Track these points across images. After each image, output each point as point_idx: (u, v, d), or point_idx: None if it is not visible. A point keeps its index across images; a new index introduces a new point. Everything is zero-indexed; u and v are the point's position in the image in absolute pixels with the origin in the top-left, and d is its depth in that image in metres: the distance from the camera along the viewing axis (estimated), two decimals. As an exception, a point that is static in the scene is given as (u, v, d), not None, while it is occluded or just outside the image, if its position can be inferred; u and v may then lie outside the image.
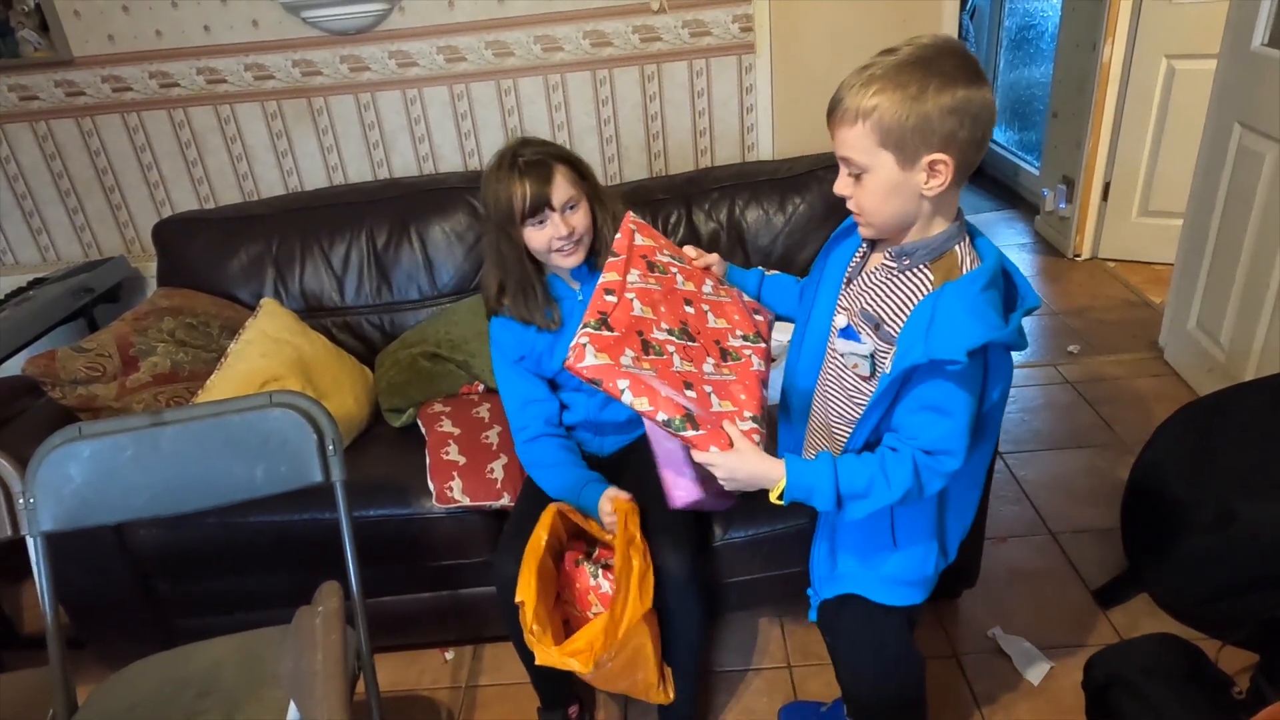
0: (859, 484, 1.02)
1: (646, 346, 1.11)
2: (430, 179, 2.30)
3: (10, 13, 2.42)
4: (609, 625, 1.26)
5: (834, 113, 0.99)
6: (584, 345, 1.06)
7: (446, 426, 1.81)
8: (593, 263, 1.51)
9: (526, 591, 1.31)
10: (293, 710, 0.96)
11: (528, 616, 1.29)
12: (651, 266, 1.23)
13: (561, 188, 1.41)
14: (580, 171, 1.47)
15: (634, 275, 1.19)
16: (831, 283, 1.18)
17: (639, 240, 1.26)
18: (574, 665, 1.25)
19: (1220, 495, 1.70)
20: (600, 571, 1.46)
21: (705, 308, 1.24)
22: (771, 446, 1.15)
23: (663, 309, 1.17)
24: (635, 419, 1.55)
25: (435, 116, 2.56)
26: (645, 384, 1.05)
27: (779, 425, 1.30)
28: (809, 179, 2.07)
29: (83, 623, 1.79)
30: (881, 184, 0.98)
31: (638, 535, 1.37)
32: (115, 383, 1.80)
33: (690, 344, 1.15)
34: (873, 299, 1.07)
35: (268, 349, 1.91)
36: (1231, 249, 2.33)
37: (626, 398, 1.04)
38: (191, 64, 2.49)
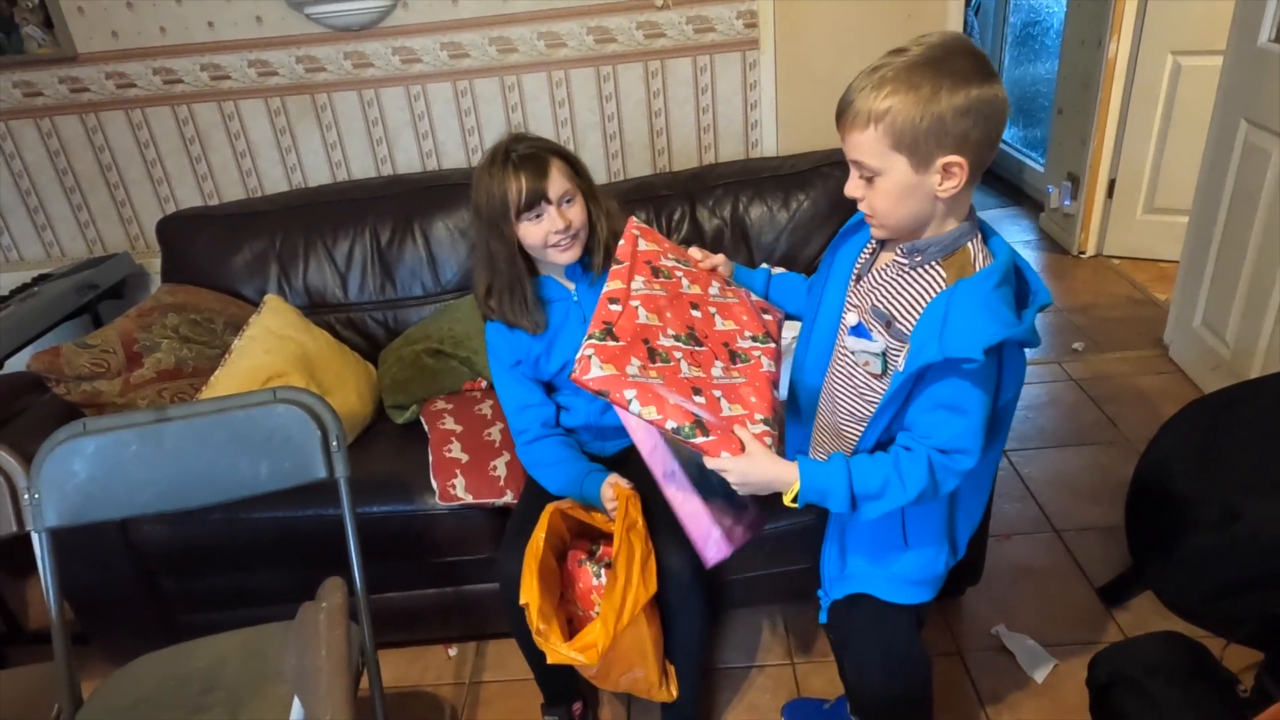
0: (874, 485, 1.02)
1: (653, 354, 1.09)
2: (434, 175, 2.30)
3: (15, 9, 2.42)
4: (610, 611, 1.26)
5: (844, 115, 0.97)
6: (589, 357, 1.05)
7: (449, 424, 1.81)
8: (586, 261, 1.50)
9: (530, 593, 1.31)
10: (296, 706, 0.96)
11: (533, 617, 1.29)
12: (656, 272, 1.21)
13: (557, 181, 1.41)
14: (574, 166, 1.46)
15: (638, 282, 1.18)
16: (840, 279, 1.17)
17: (643, 246, 1.25)
18: (582, 660, 1.25)
19: (1225, 493, 1.70)
20: (603, 571, 1.46)
21: (712, 310, 1.22)
22: (781, 446, 1.14)
23: (669, 314, 1.16)
24: None
25: (439, 113, 2.56)
26: (653, 392, 1.04)
27: (785, 423, 1.30)
28: (813, 175, 2.07)
29: (87, 618, 1.79)
30: (895, 187, 0.97)
31: (639, 520, 1.37)
32: (119, 379, 1.80)
33: (698, 349, 1.14)
34: (884, 296, 1.06)
35: (271, 345, 1.91)
36: (1237, 246, 2.32)
37: (634, 407, 1.03)
38: (195, 60, 2.49)
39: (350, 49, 2.48)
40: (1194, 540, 1.71)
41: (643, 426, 1.15)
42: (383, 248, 2.16)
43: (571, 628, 1.41)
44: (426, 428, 1.82)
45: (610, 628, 1.26)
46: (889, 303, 1.05)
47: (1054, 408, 2.55)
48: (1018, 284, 1.03)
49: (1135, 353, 2.80)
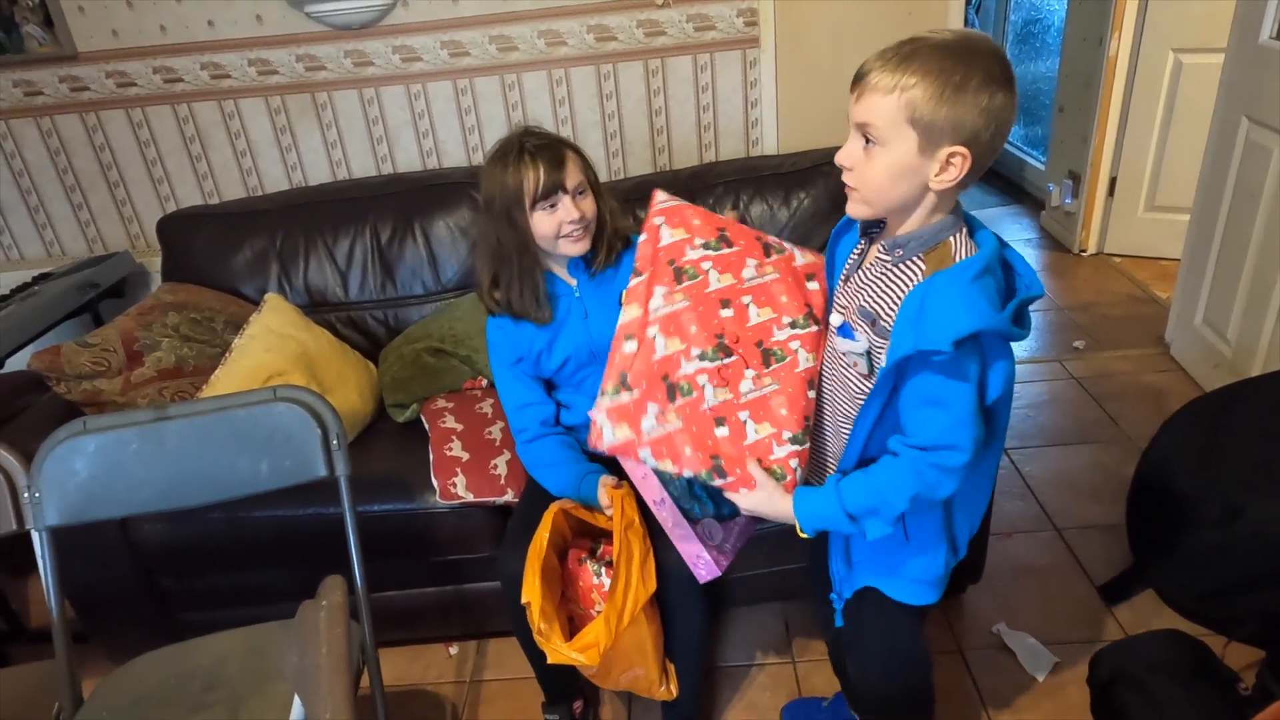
0: (865, 500, 1.02)
1: (673, 391, 1.07)
2: (434, 174, 2.30)
3: (15, 8, 2.42)
4: (612, 612, 1.26)
5: (865, 78, 0.94)
6: (602, 426, 1.05)
7: (450, 422, 1.81)
8: (588, 258, 1.51)
9: (532, 593, 1.30)
10: (297, 704, 0.96)
11: (535, 617, 1.29)
12: (679, 274, 1.13)
13: (573, 172, 1.42)
14: (585, 160, 1.48)
15: (657, 298, 1.12)
16: (834, 281, 1.17)
17: (665, 239, 1.16)
18: (583, 660, 1.25)
19: (1226, 491, 1.69)
20: (603, 570, 1.46)
21: (746, 300, 1.13)
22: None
23: (693, 329, 1.10)
24: None
25: (439, 111, 2.56)
26: (670, 445, 1.04)
27: None
28: (814, 174, 2.06)
29: (88, 617, 1.79)
30: (894, 162, 0.95)
31: (636, 519, 1.37)
32: (120, 378, 1.80)
33: (726, 361, 1.09)
34: (869, 295, 1.05)
35: (272, 344, 1.91)
36: (1239, 244, 2.31)
37: (650, 464, 1.04)
38: (195, 59, 2.49)
39: (350, 47, 2.48)
40: (1195, 538, 1.71)
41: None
42: (383, 246, 2.16)
43: (572, 625, 1.41)
44: (427, 426, 1.82)
45: (611, 628, 1.26)
46: (874, 301, 1.04)
47: (1055, 406, 2.55)
48: (1008, 278, 1.02)
49: (1136, 351, 2.79)
